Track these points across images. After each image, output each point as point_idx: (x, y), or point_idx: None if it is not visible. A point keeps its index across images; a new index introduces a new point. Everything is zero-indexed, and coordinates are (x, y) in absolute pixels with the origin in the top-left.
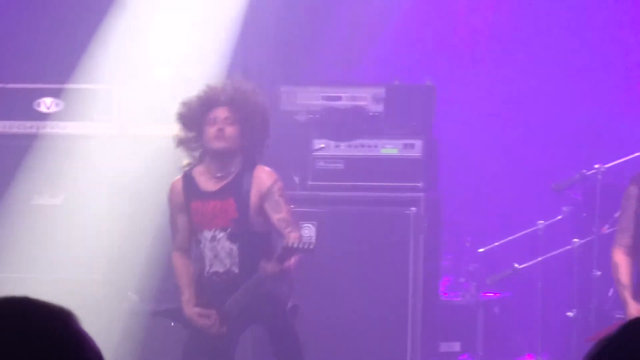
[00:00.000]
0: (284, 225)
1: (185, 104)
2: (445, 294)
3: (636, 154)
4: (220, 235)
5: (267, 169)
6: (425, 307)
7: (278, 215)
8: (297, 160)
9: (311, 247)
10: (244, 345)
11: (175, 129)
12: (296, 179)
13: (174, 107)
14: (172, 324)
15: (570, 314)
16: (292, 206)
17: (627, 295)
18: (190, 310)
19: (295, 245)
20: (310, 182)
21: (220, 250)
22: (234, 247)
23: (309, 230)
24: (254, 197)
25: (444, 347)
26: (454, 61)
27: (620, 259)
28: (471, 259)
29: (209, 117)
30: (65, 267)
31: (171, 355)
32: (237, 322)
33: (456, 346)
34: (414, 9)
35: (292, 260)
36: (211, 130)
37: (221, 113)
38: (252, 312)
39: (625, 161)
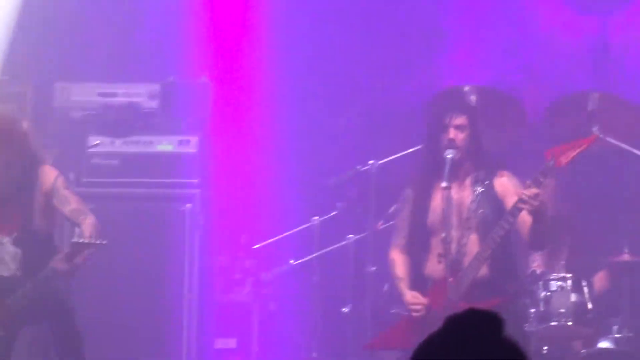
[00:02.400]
0: (77, 214)
1: None
2: (221, 290)
3: (409, 150)
4: (5, 240)
5: (46, 167)
6: (201, 304)
7: (69, 207)
8: (72, 157)
9: (103, 242)
10: (21, 345)
11: None
12: (71, 176)
13: None
14: None
15: (345, 309)
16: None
17: (403, 286)
18: None
19: (85, 241)
20: (85, 179)
21: (5, 254)
22: (19, 251)
23: None
24: (38, 197)
25: (220, 343)
26: (229, 58)
27: (396, 256)
28: (247, 256)
29: None
30: None
31: None
32: (18, 319)
33: (232, 343)
34: (190, 5)
35: (83, 256)
36: None
37: None
38: (36, 310)
39: (399, 157)
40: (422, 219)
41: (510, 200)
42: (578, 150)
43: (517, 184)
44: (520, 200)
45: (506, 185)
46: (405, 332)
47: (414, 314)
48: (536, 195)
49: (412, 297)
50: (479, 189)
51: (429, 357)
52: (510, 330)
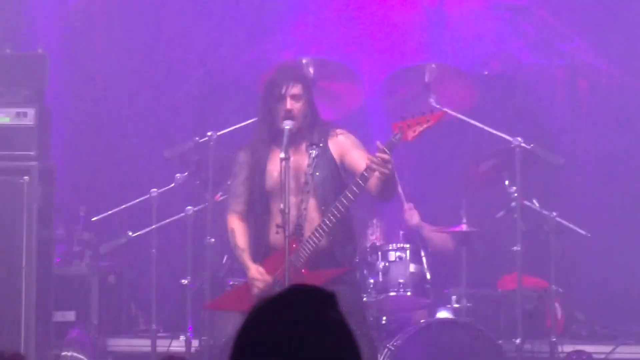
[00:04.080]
0: None
1: None
2: (60, 263)
3: (248, 122)
4: None
5: None
6: (39, 277)
7: None
8: None
9: None
10: None
11: None
12: None
13: None
14: None
15: (184, 281)
16: None
17: (247, 258)
18: None
19: None
20: None
21: None
22: None
23: None
24: None
25: (59, 316)
26: (68, 28)
27: (236, 225)
28: (85, 228)
29: None
30: None
31: None
32: None
33: (71, 315)
34: None
35: None
36: None
37: None
38: None
39: (237, 128)
40: (260, 183)
41: (349, 156)
42: (426, 126)
43: (354, 140)
44: (369, 167)
45: (341, 143)
46: (246, 296)
47: (256, 290)
48: (387, 161)
49: (257, 273)
50: (314, 152)
51: (252, 332)
52: (350, 300)
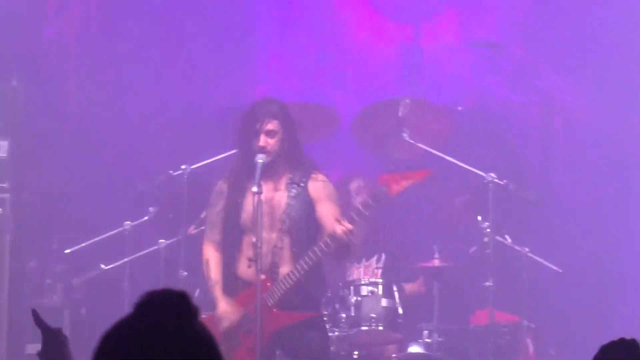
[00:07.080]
0: None
1: None
2: (32, 295)
3: (222, 155)
4: None
5: None
6: (11, 309)
7: None
8: None
9: None
10: None
11: None
12: None
13: None
14: None
15: None
16: None
17: (218, 291)
18: None
19: None
20: None
21: None
22: None
23: None
24: None
25: (31, 348)
26: (41, 60)
27: (211, 255)
28: (58, 260)
29: None
30: None
31: None
32: None
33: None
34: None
35: None
36: None
37: None
38: None
39: (211, 162)
40: (236, 216)
41: (320, 207)
42: (411, 182)
43: (331, 192)
44: (333, 234)
45: (319, 189)
46: (213, 329)
47: (223, 324)
48: (349, 232)
49: (226, 307)
50: (294, 191)
51: (116, 340)
52: (318, 347)
